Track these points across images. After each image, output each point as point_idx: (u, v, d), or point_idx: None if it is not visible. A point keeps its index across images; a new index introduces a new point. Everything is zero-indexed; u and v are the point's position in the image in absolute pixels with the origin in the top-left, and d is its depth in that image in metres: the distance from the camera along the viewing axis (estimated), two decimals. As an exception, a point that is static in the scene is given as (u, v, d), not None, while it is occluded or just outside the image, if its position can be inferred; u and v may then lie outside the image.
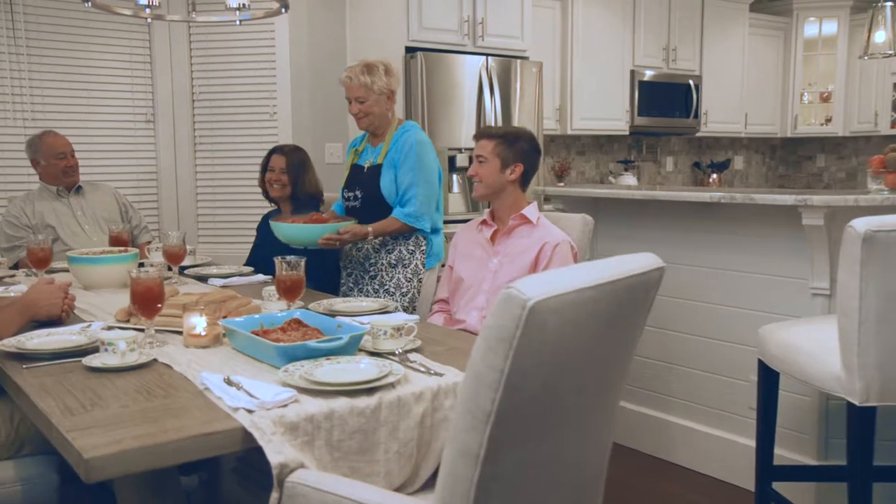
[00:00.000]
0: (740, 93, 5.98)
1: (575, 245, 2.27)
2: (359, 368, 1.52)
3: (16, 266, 3.16)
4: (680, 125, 5.64)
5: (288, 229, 2.59)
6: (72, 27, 4.00)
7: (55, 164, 3.36)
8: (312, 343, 1.60)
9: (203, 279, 2.75)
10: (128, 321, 2.00)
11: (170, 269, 2.74)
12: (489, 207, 2.48)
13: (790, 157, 6.95)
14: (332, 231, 2.53)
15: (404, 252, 2.68)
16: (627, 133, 5.41)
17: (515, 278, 2.19)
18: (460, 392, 1.12)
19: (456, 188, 4.14)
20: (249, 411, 1.33)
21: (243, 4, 2.34)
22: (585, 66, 5.07)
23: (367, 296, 2.66)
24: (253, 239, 3.84)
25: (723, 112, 5.89)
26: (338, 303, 2.21)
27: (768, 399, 2.17)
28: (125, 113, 4.21)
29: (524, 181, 2.32)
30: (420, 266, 2.68)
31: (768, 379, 2.16)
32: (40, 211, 3.32)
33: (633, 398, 3.03)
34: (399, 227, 2.64)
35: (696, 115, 5.66)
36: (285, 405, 1.37)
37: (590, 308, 1.16)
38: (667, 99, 5.49)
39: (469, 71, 4.08)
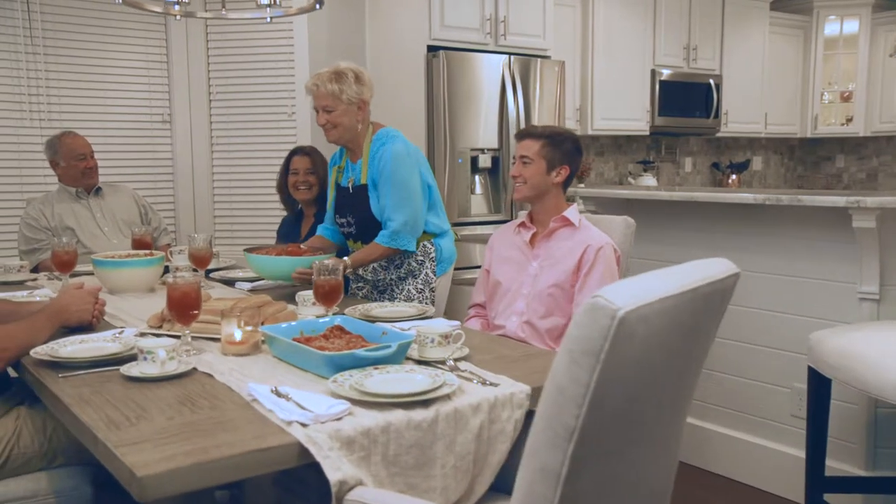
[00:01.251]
0: (760, 92, 5.90)
1: (618, 248, 2.19)
2: (413, 379, 1.45)
3: (36, 269, 3.10)
4: (700, 125, 5.57)
5: (258, 261, 2.37)
6: (89, 27, 3.95)
7: (75, 166, 3.30)
8: (361, 352, 1.53)
9: (230, 283, 2.69)
10: (160, 327, 1.93)
11: (195, 272, 2.68)
12: (524, 209, 2.41)
13: (809, 157, 6.87)
14: (305, 265, 2.29)
15: (413, 264, 2.56)
16: (648, 133, 5.34)
17: (557, 282, 2.14)
18: (540, 407, 1.05)
19: (478, 189, 4.07)
20: (303, 425, 1.27)
21: (275, 1, 2.28)
22: (606, 66, 5.00)
23: None
24: (269, 239, 3.79)
25: (743, 112, 5.81)
26: (374, 308, 2.15)
27: (819, 407, 2.10)
28: (142, 113, 4.15)
29: (566, 183, 2.24)
30: (431, 275, 2.58)
31: (820, 386, 2.09)
32: (59, 213, 3.26)
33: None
34: (382, 253, 2.46)
35: (717, 115, 5.58)
36: (339, 418, 1.30)
37: (673, 317, 1.09)
38: (687, 99, 5.42)
39: (491, 70, 4.01)
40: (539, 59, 4.20)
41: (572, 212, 2.22)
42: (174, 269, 2.73)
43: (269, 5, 2.28)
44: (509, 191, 4.11)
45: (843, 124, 6.28)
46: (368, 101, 2.50)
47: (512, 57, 4.08)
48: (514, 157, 2.27)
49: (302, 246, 2.53)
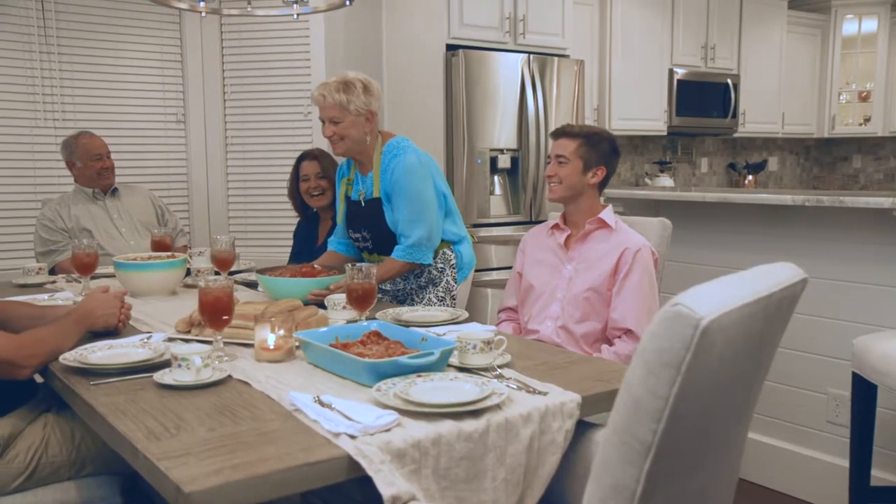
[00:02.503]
0: (778, 92, 5.84)
1: (655, 251, 2.13)
2: (461, 387, 1.40)
3: (52, 271, 3.06)
4: (717, 125, 5.51)
5: (272, 283, 2.25)
6: (103, 25, 3.91)
7: (91, 166, 3.25)
8: (404, 359, 1.48)
9: (252, 286, 2.63)
10: (188, 332, 1.88)
11: (217, 274, 2.63)
12: (556, 210, 2.35)
13: (825, 157, 6.80)
14: (321, 286, 2.20)
15: (433, 272, 2.49)
16: (665, 133, 5.27)
17: (593, 286, 2.08)
18: (612, 420, 0.99)
19: (498, 190, 4.01)
20: (352, 437, 1.21)
21: (302, -2, 2.22)
22: (624, 65, 4.93)
23: None
24: (285, 241, 3.72)
25: (760, 112, 5.75)
26: (405, 312, 2.09)
27: (865, 415, 2.04)
28: (156, 113, 4.11)
29: (602, 184, 2.18)
30: (451, 282, 2.51)
31: (864, 393, 2.03)
32: (76, 214, 3.21)
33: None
34: (400, 268, 2.38)
35: (735, 115, 5.52)
36: (388, 430, 1.25)
37: (749, 326, 1.04)
38: (705, 99, 5.36)
39: (510, 69, 3.95)
40: (557, 58, 4.14)
41: (608, 213, 2.16)
42: (195, 272, 2.69)
43: (297, 1, 2.22)
44: (528, 192, 4.06)
45: (860, 124, 6.22)
46: (377, 112, 2.41)
47: (531, 56, 4.02)
48: (548, 157, 2.21)
49: (316, 266, 2.42)
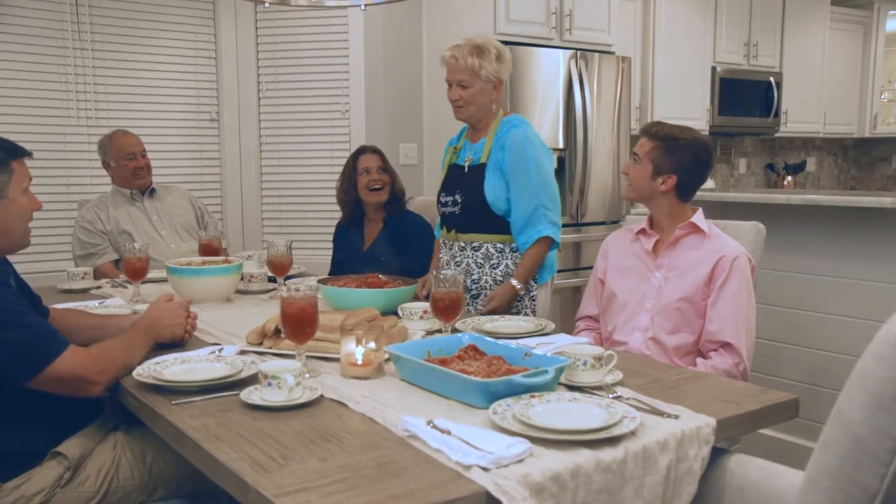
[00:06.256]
0: (820, 91, 5.68)
1: (752, 257, 2.00)
2: (588, 411, 1.27)
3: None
4: (759, 125, 5.36)
5: (336, 294, 2.08)
6: (136, 20, 3.79)
7: (124, 165, 3.13)
8: (518, 378, 1.34)
9: (308, 292, 2.50)
10: (261, 343, 1.75)
11: (273, 280, 2.50)
12: (633, 214, 2.21)
13: (863, 158, 6.64)
14: (388, 297, 2.04)
15: (511, 266, 2.35)
16: (707, 133, 5.13)
17: (685, 296, 1.94)
18: (821, 458, 0.86)
19: (544, 191, 3.87)
20: (484, 469, 1.08)
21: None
22: (666, 62, 4.79)
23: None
24: (320, 244, 3.58)
25: (802, 111, 5.60)
26: (486, 322, 1.95)
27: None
28: (189, 111, 3.99)
29: (680, 193, 2.02)
30: (531, 281, 2.37)
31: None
32: (115, 216, 3.09)
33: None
34: (545, 250, 2.33)
35: (777, 115, 5.37)
36: (521, 460, 1.12)
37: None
38: (747, 97, 5.21)
39: (555, 65, 3.82)
40: (603, 55, 4.00)
41: (700, 217, 2.02)
42: (248, 277, 2.56)
43: (369, -9, 2.10)
44: (575, 194, 3.92)
45: (902, 124, 6.06)
46: (505, 80, 2.38)
47: (578, 52, 3.88)
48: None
49: (381, 276, 2.27)
